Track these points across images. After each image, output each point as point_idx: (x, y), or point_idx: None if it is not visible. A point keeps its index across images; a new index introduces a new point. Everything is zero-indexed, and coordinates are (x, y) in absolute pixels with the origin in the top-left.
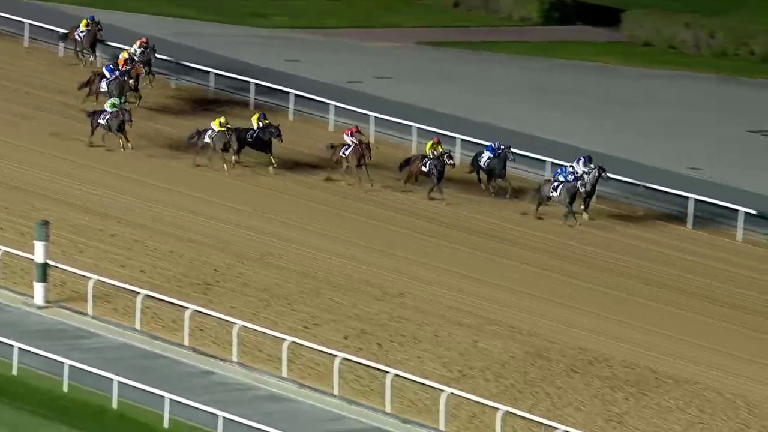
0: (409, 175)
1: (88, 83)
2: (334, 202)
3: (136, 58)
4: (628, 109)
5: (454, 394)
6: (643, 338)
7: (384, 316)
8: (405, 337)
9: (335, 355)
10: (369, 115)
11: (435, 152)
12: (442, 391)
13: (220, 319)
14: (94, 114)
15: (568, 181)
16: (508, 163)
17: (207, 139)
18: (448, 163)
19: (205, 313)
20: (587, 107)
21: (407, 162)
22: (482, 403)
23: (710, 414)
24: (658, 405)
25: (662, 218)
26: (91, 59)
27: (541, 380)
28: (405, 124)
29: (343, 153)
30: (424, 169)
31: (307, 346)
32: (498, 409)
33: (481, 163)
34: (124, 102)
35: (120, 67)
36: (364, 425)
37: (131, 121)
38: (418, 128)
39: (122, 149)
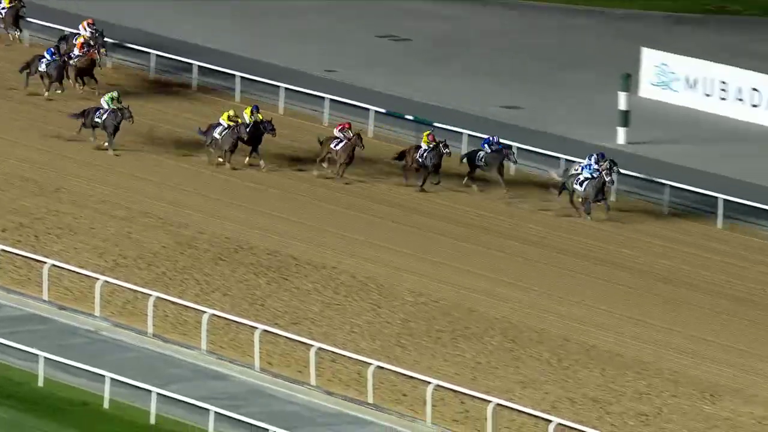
0: (405, 167)
1: (28, 65)
2: None
3: (92, 42)
4: (276, 17)
5: (108, 282)
6: (285, 228)
7: (42, 210)
8: (62, 229)
9: None
10: None
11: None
12: (97, 279)
13: None
14: (86, 112)
15: (594, 178)
16: (506, 163)
17: (217, 135)
18: (445, 152)
19: None
20: (233, 13)
21: (402, 155)
22: (135, 290)
23: (345, 295)
24: (298, 288)
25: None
26: (17, 34)
27: (190, 268)
28: None
29: (335, 147)
30: (419, 159)
31: None
32: (150, 295)
33: (478, 161)
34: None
35: (78, 51)
36: (23, 312)
37: (131, 117)
38: None
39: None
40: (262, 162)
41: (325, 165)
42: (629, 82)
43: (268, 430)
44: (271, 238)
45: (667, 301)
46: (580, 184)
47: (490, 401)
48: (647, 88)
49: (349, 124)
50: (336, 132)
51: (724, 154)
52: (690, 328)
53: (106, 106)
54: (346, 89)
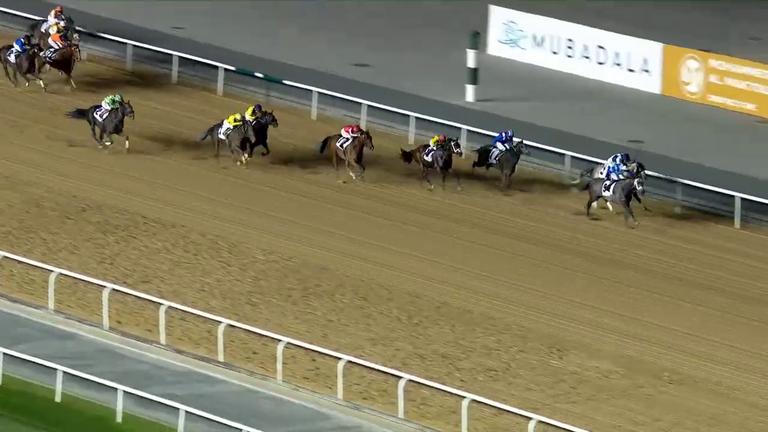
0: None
1: None
2: None
3: (67, 34)
4: None
5: None
6: (133, 186)
7: None
8: None
9: None
10: None
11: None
12: None
13: None
14: (86, 111)
15: (621, 180)
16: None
17: (222, 136)
18: (455, 151)
19: None
20: None
21: (408, 156)
22: None
23: (194, 254)
24: (147, 247)
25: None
26: None
27: (36, 227)
28: None
29: (341, 146)
30: (427, 159)
31: None
32: None
33: (492, 158)
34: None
35: (56, 44)
36: None
37: (132, 112)
38: None
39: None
40: (265, 152)
41: (348, 171)
42: (478, 39)
43: (116, 389)
44: (119, 197)
45: (516, 256)
46: (608, 188)
47: (340, 358)
48: (495, 46)
49: (358, 126)
50: (343, 132)
51: (571, 111)
52: (537, 283)
53: (106, 107)
54: (194, 47)
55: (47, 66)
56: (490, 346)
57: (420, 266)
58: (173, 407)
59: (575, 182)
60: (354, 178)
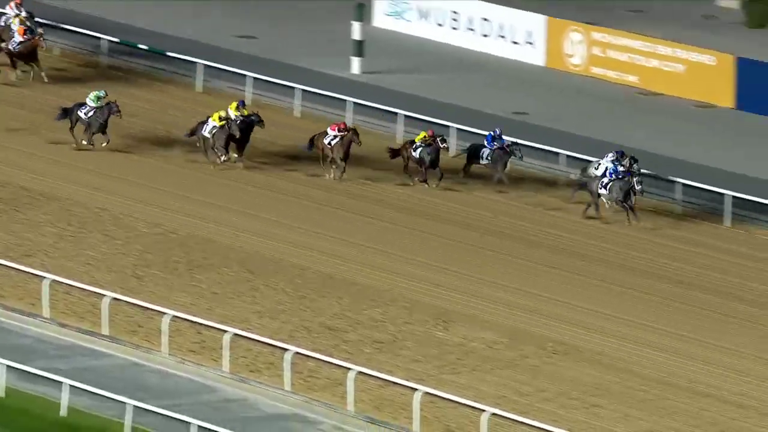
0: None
1: None
2: None
3: (31, 27)
4: None
5: None
6: (15, 159)
7: None
8: None
9: None
10: None
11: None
12: None
13: None
14: (70, 109)
15: (618, 179)
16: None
17: (207, 134)
18: (442, 147)
19: None
20: None
21: (396, 153)
22: None
23: (79, 227)
24: (30, 220)
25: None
26: None
27: None
28: None
29: (329, 144)
30: (414, 155)
31: None
32: None
33: (484, 158)
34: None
35: (21, 37)
36: None
37: (119, 112)
38: None
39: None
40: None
41: (332, 168)
42: (363, 11)
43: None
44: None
45: (400, 227)
46: (605, 187)
47: (226, 331)
48: (381, 18)
49: (344, 124)
50: (330, 130)
51: (456, 83)
52: (424, 256)
53: (91, 104)
54: (76, 17)
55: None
56: (377, 318)
57: (306, 239)
58: (57, 381)
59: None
60: (337, 175)
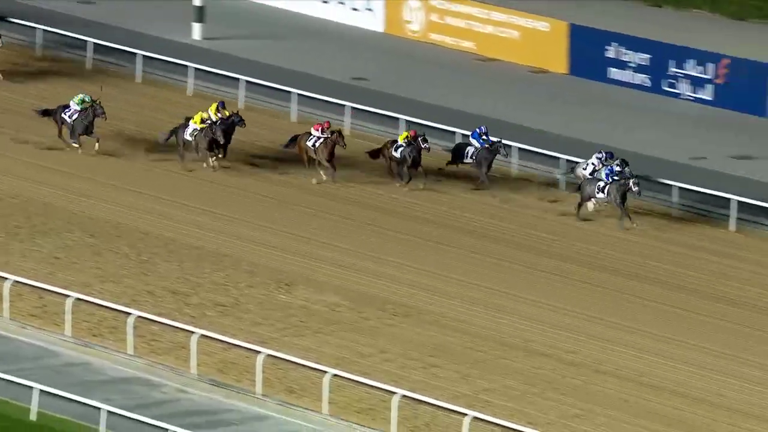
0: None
1: None
2: None
3: None
4: None
5: None
6: None
7: None
8: None
9: None
10: None
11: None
12: None
13: None
14: (53, 111)
15: (614, 181)
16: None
17: (188, 137)
18: (424, 147)
19: None
20: None
21: (376, 153)
22: None
23: None
24: None
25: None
26: None
27: None
28: None
29: (313, 145)
30: (395, 155)
31: None
32: None
33: (468, 157)
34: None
35: None
36: None
37: (104, 113)
38: None
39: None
40: (217, 162)
41: (321, 171)
42: None
43: None
44: None
45: (251, 193)
46: (602, 190)
47: (68, 296)
48: None
49: (329, 123)
50: (313, 131)
51: (296, 49)
52: (267, 219)
53: (75, 107)
54: None
55: None
56: (219, 282)
57: (148, 204)
58: None
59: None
60: (324, 178)
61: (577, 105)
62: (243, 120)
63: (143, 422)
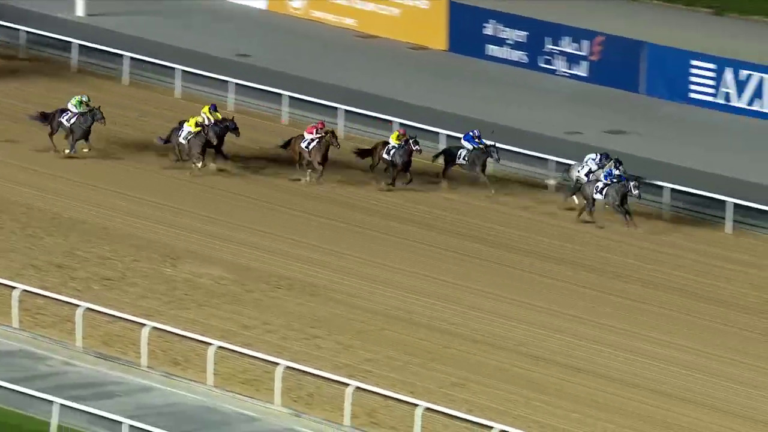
0: (373, 167)
1: None
2: None
3: None
4: None
5: None
6: None
7: None
8: None
9: None
10: None
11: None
12: None
13: None
14: (51, 114)
15: (613, 183)
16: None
17: (182, 140)
18: (415, 149)
19: None
20: None
21: (365, 153)
22: None
23: None
24: None
25: None
26: None
27: None
28: None
29: (306, 147)
30: (386, 156)
31: None
32: None
33: (460, 159)
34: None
35: None
36: None
37: (103, 118)
38: None
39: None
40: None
41: (308, 172)
42: None
43: None
44: None
45: (134, 166)
46: (600, 192)
47: None
48: None
49: (322, 123)
50: (306, 134)
51: (180, 25)
52: (151, 195)
53: (74, 110)
54: None
55: None
56: (105, 255)
57: (33, 179)
58: None
59: (552, 183)
60: (315, 179)
61: (457, 81)
62: (237, 129)
63: (29, 395)
